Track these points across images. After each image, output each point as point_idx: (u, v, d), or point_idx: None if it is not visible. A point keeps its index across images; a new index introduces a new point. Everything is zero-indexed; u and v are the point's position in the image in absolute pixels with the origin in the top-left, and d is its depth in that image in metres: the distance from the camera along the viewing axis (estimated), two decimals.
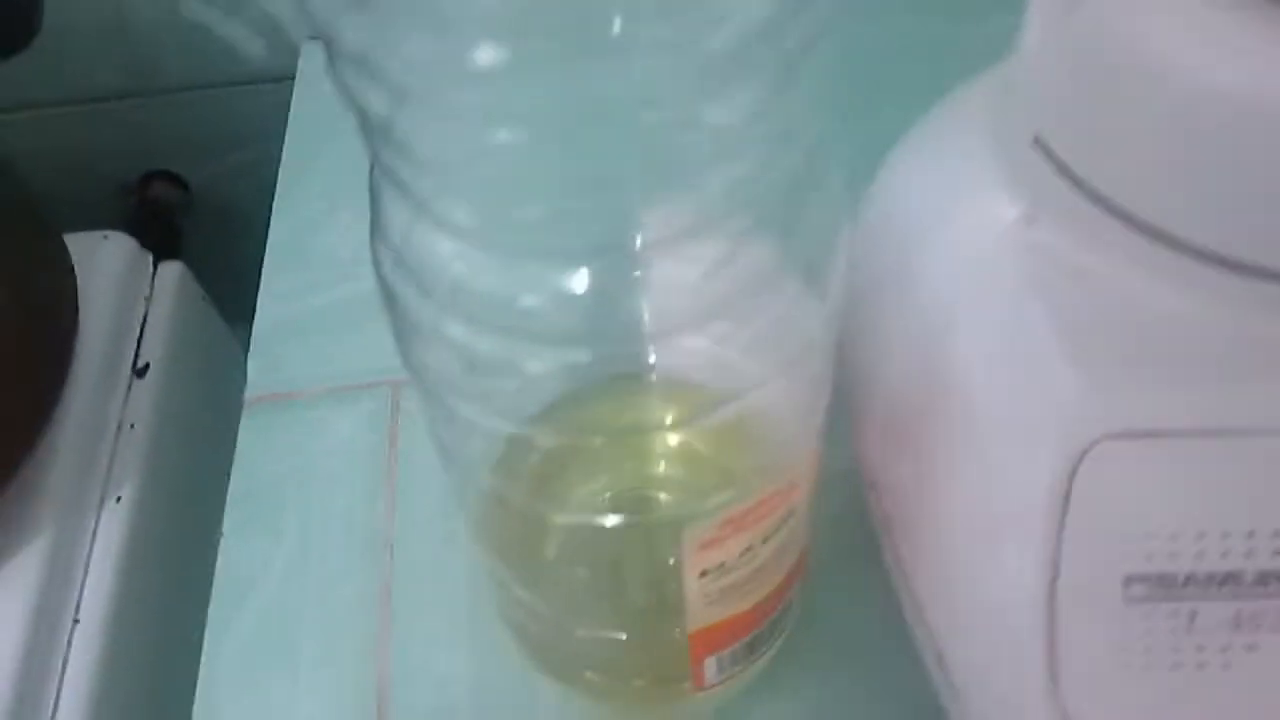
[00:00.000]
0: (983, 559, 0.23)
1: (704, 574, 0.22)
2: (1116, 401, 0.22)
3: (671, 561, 0.22)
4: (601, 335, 0.20)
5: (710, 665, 0.26)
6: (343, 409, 0.38)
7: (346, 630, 0.32)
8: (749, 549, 0.22)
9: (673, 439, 0.23)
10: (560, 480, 0.24)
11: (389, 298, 0.21)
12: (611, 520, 0.22)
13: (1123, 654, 0.22)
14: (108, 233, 0.48)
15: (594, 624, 0.26)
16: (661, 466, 0.24)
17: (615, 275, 0.20)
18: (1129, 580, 0.22)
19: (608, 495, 0.23)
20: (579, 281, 0.19)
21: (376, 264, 0.21)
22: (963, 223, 0.26)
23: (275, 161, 0.46)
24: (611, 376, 0.22)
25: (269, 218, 0.44)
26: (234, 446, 0.37)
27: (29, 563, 0.38)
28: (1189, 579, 0.22)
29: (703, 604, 0.23)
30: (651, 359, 0.21)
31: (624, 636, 0.26)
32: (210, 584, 0.34)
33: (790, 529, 0.24)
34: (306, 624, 0.33)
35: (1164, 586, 0.22)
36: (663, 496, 0.23)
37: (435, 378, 0.22)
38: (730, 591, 0.23)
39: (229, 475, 0.36)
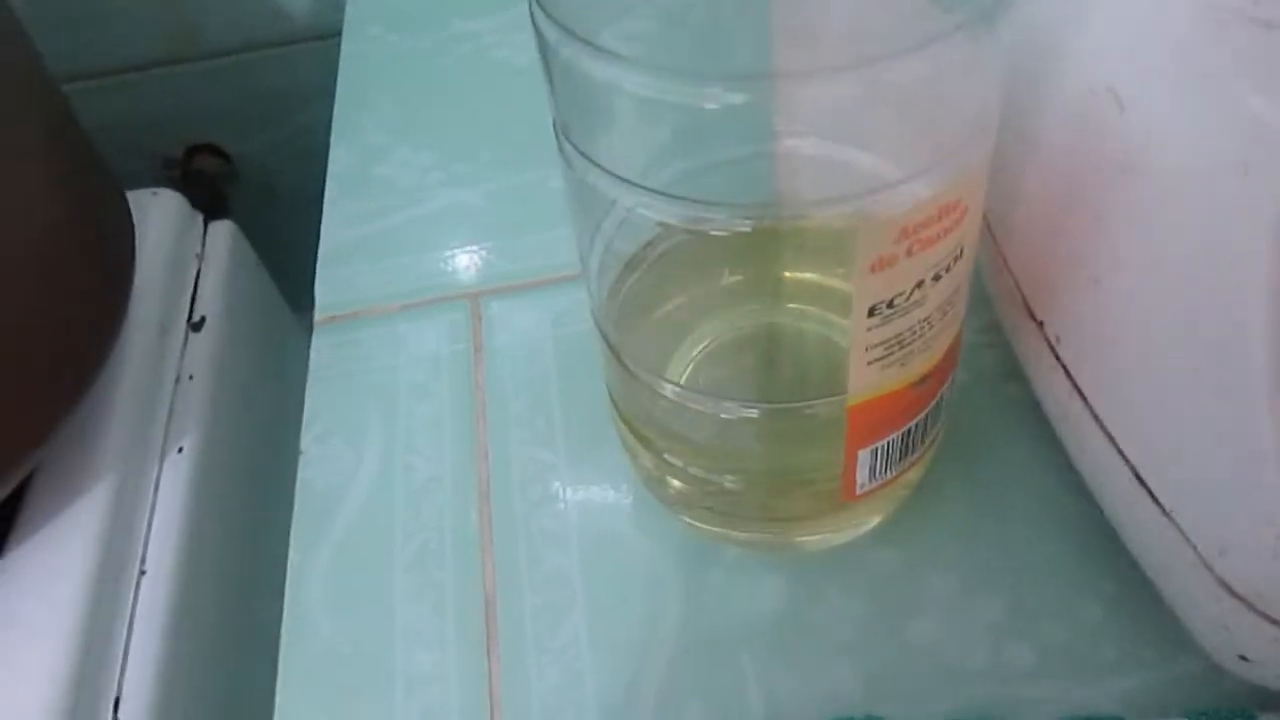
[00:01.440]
0: (1198, 332, 0.20)
1: (873, 312, 0.20)
2: None
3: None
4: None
5: (863, 463, 0.23)
6: (422, 322, 0.35)
7: (444, 536, 0.30)
8: (920, 284, 0.20)
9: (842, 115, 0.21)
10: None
11: (551, 56, 0.20)
12: (769, 219, 0.20)
13: None
14: (156, 190, 0.46)
15: (743, 397, 0.25)
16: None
17: None
18: None
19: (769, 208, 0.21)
20: None
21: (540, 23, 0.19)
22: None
23: (318, 130, 0.44)
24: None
25: (315, 186, 0.42)
26: (299, 401, 0.34)
27: (91, 513, 0.36)
28: None
29: (865, 362, 0.21)
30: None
31: (759, 414, 0.24)
32: (283, 529, 0.31)
33: (957, 276, 0.21)
34: (399, 533, 0.30)
35: None
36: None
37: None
38: (894, 349, 0.21)
39: (299, 415, 0.34)
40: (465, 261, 0.37)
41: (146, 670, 0.34)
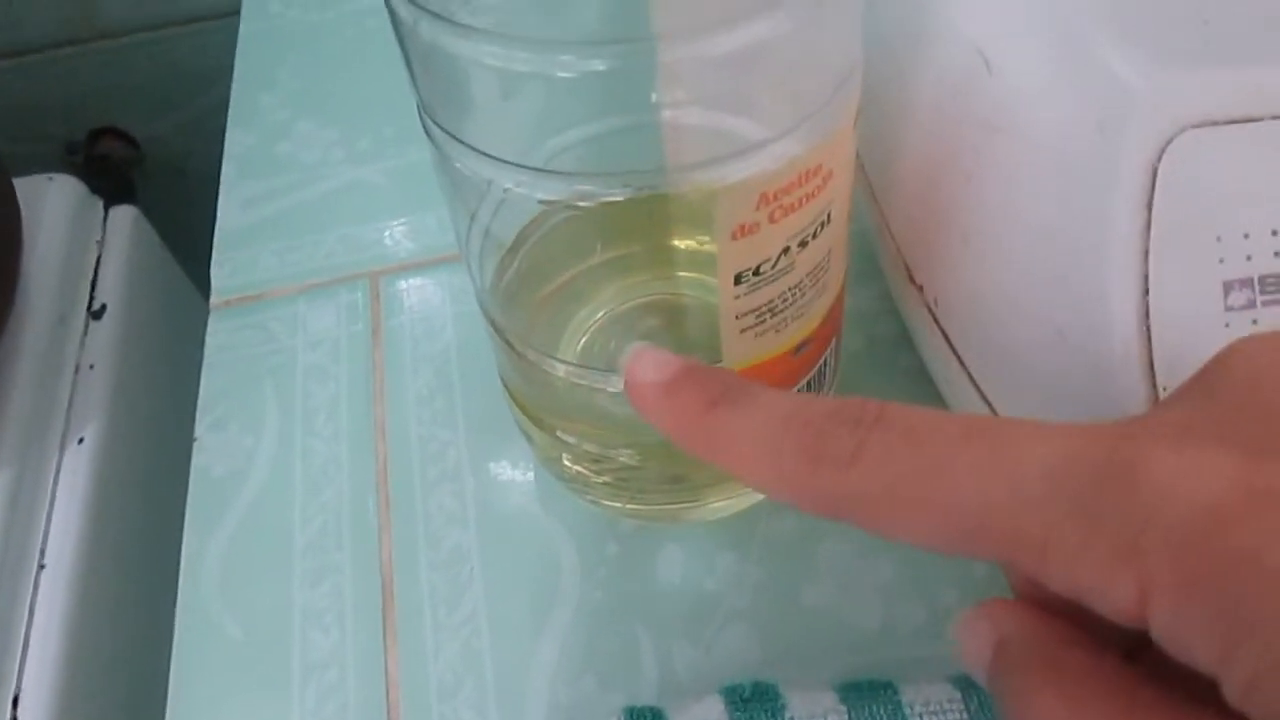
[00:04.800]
0: (1061, 291, 0.21)
1: (739, 280, 0.20)
2: (1191, 91, 0.19)
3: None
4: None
5: None
6: (320, 303, 0.35)
7: (342, 517, 0.29)
8: (785, 251, 0.20)
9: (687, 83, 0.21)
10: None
11: (408, 36, 0.20)
12: (638, 189, 0.20)
13: None
14: (53, 175, 0.45)
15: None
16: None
17: None
18: (1229, 286, 0.19)
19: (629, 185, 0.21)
20: None
21: (395, 3, 0.19)
22: None
23: (226, 112, 0.43)
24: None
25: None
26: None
27: None
28: None
29: (738, 331, 0.21)
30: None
31: None
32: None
33: (826, 242, 0.21)
34: (297, 517, 0.30)
35: (1269, 289, 0.19)
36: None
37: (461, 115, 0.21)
38: (766, 317, 0.21)
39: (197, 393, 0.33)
40: (365, 240, 0.37)
41: (46, 665, 0.33)
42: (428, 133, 0.22)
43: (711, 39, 0.18)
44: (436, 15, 0.18)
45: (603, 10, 0.19)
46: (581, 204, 0.21)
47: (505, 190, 0.22)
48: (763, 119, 0.20)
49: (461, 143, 0.21)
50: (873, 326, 0.32)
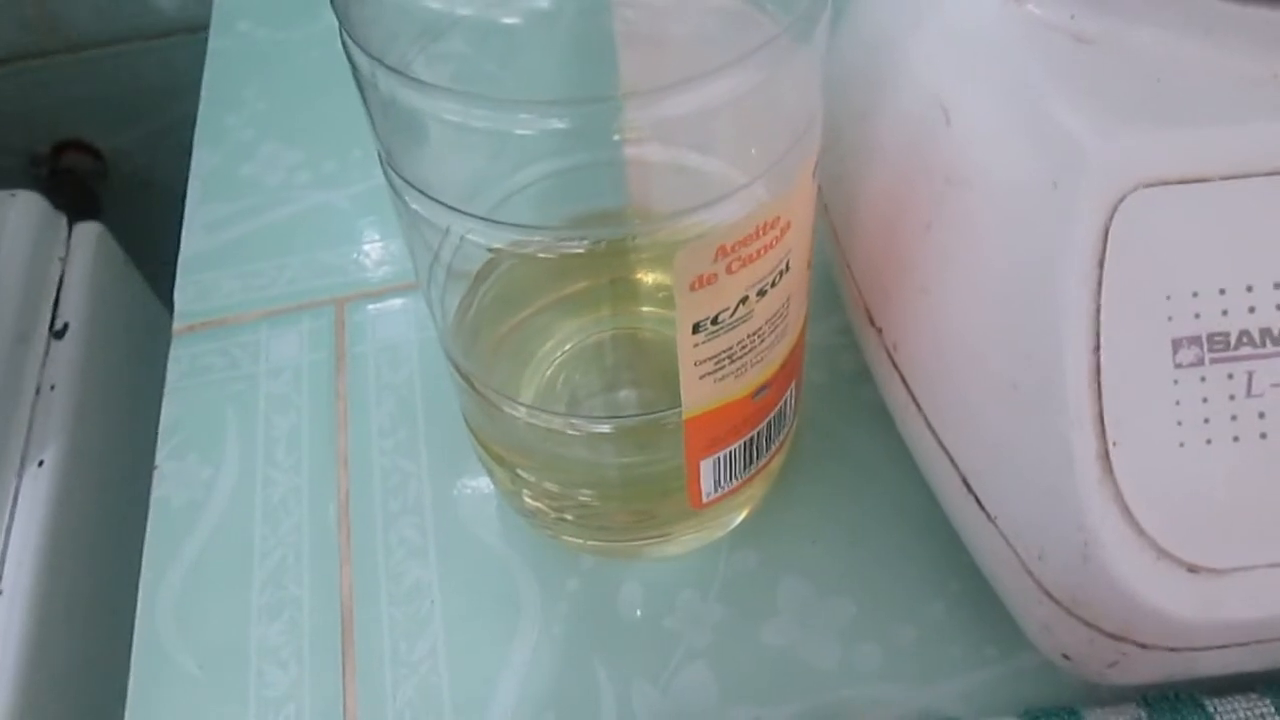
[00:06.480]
0: (1015, 344, 0.21)
1: (697, 329, 0.20)
2: (1144, 150, 0.20)
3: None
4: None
5: (707, 473, 0.24)
6: (283, 330, 0.34)
7: (302, 550, 0.29)
8: (744, 300, 0.20)
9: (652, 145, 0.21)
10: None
11: (366, 85, 0.20)
12: (595, 241, 0.20)
13: (1178, 429, 0.20)
14: (15, 191, 0.44)
15: (592, 413, 0.26)
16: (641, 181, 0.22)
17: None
18: (1177, 344, 0.20)
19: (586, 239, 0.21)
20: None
21: (353, 53, 0.19)
22: (951, 9, 0.24)
23: (193, 126, 0.43)
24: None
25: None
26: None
27: None
28: (1242, 336, 0.20)
29: (697, 377, 0.21)
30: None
31: (610, 429, 0.25)
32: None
33: (785, 289, 0.22)
34: (256, 549, 0.29)
35: (1216, 347, 0.20)
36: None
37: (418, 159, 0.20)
38: (725, 364, 0.21)
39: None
40: (330, 265, 0.36)
41: (1, 692, 0.33)
42: (388, 178, 0.22)
43: (673, 98, 0.18)
44: (393, 69, 0.18)
45: (563, 64, 0.19)
46: (542, 255, 0.21)
47: (461, 238, 0.22)
48: (722, 171, 0.21)
49: (421, 191, 0.21)
50: (835, 360, 0.32)
